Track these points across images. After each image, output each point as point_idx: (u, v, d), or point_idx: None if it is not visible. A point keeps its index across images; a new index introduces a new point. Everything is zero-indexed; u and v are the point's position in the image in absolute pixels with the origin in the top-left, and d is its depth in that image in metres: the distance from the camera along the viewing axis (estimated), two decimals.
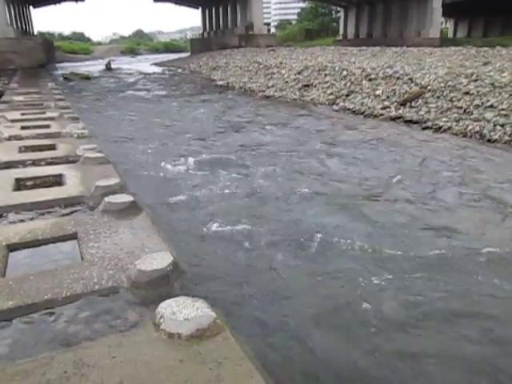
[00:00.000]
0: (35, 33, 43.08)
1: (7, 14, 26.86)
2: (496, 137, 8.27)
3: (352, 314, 2.90)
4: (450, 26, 50.94)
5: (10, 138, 5.35)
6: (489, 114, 8.99)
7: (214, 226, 4.33)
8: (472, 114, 9.36)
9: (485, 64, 12.78)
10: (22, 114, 7.32)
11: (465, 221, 4.62)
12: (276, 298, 3.05)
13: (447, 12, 39.24)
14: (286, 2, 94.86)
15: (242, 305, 2.95)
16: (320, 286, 3.26)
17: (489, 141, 8.27)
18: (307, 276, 3.37)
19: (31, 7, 41.47)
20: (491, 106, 9.23)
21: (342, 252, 3.81)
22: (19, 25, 33.44)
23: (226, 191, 5.51)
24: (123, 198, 2.96)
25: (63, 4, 44.22)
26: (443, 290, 3.20)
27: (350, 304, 3.00)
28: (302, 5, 66.65)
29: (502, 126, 8.51)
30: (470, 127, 8.87)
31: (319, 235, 4.10)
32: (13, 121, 6.62)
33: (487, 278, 3.37)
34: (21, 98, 9.91)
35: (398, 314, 2.92)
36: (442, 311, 2.96)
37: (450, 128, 9.17)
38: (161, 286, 1.98)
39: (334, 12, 57.99)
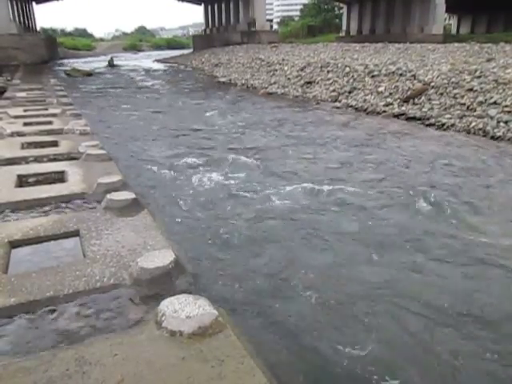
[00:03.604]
0: (38, 29, 43.02)
1: (10, 9, 26.83)
2: (500, 134, 8.23)
3: None
4: (453, 22, 50.57)
5: (12, 135, 5.35)
6: (492, 111, 8.94)
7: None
8: (475, 110, 9.32)
9: (488, 60, 12.70)
10: (25, 111, 7.31)
11: None
12: None
13: (450, 8, 38.94)
14: None
15: None
16: None
17: (492, 138, 8.24)
18: None
19: (34, 3, 41.39)
20: (495, 103, 9.18)
21: None
22: (22, 21, 33.39)
23: (227, 190, 5.49)
24: (125, 196, 2.95)
25: (66, 0, 44.17)
26: None
27: None
28: (304, 1, 66.29)
29: (506, 122, 8.47)
30: (474, 124, 8.83)
31: None
32: (15, 117, 6.62)
33: None
34: (23, 94, 9.91)
35: None
36: None
37: (453, 125, 9.13)
38: (163, 284, 1.97)
39: (336, 8, 57.63)
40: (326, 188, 5.44)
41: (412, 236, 4.14)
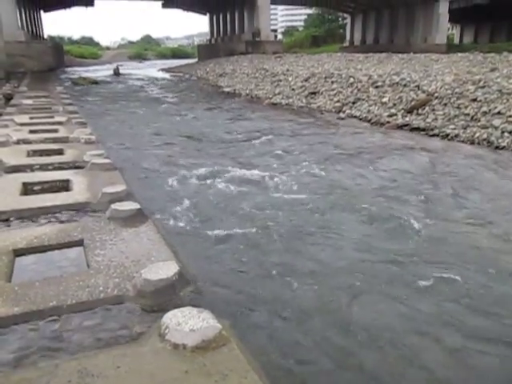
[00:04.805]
0: (45, 37, 43.56)
1: (18, 17, 27.15)
2: (504, 144, 8.23)
3: None
4: (456, 31, 50.86)
5: (18, 142, 5.38)
6: (496, 121, 8.95)
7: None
8: (479, 121, 9.33)
9: (492, 70, 12.73)
10: (31, 118, 7.36)
11: None
12: None
13: (453, 18, 39.20)
14: (292, 9, 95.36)
15: None
16: None
17: (497, 148, 8.23)
18: None
19: (42, 11, 41.99)
20: (499, 113, 9.19)
21: None
22: (30, 28, 33.81)
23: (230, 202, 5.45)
24: (130, 206, 2.94)
25: (73, 8, 44.84)
26: None
27: None
28: (308, 11, 66.89)
29: (510, 132, 8.47)
30: (478, 134, 8.83)
31: None
32: (21, 124, 6.66)
33: None
34: (30, 101, 9.99)
35: None
36: None
37: (457, 135, 9.13)
38: (166, 296, 1.97)
39: (340, 19, 58.12)
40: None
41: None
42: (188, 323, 1.69)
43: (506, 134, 8.49)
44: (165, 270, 2.03)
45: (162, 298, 1.95)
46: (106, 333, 1.80)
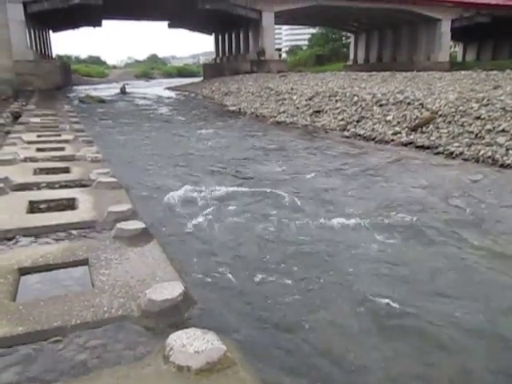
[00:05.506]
0: (53, 56, 44.44)
1: (28, 37, 27.77)
2: (509, 162, 8.21)
3: None
4: (459, 49, 51.40)
5: (25, 160, 5.44)
6: (501, 139, 8.94)
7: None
8: (484, 138, 9.33)
9: (495, 88, 12.80)
10: (38, 136, 7.45)
11: None
12: None
13: (456, 36, 39.69)
14: (296, 28, 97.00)
15: None
16: None
17: (502, 166, 8.21)
18: None
19: (50, 31, 42.95)
20: (503, 131, 9.20)
21: None
22: (39, 48, 34.49)
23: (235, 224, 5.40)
24: (135, 225, 2.95)
25: (81, 28, 45.78)
26: None
27: None
28: (312, 31, 67.96)
29: None
30: (482, 152, 8.82)
31: None
32: (29, 142, 6.74)
33: None
34: (37, 119, 10.13)
35: None
36: None
37: (461, 153, 9.13)
38: (171, 317, 1.96)
39: (344, 37, 59.00)
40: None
41: None
42: (193, 345, 1.68)
43: (510, 152, 8.47)
44: (170, 290, 2.03)
45: (167, 318, 1.94)
46: (109, 353, 1.79)
